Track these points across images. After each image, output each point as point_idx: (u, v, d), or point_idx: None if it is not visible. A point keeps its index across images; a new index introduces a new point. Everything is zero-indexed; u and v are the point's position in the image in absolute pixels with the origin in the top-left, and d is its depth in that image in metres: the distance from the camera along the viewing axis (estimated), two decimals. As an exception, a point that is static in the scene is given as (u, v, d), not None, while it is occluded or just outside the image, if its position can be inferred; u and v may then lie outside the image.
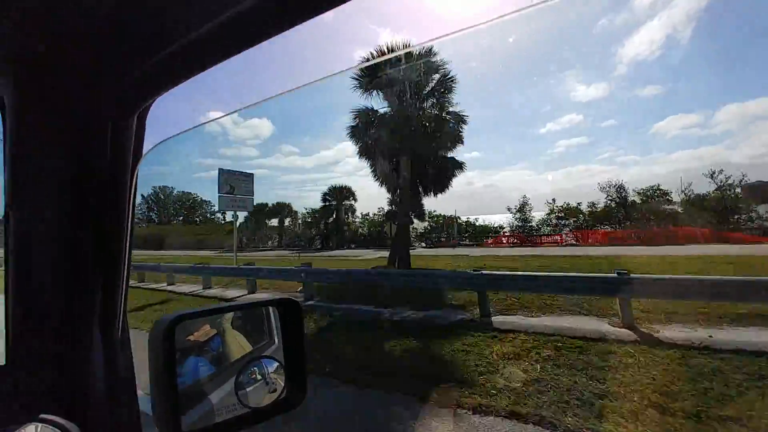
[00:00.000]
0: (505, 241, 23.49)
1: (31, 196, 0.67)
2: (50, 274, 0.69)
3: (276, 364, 0.77)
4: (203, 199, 49.90)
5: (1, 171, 0.68)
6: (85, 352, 0.73)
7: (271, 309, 0.81)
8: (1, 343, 0.72)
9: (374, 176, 13.41)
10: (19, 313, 0.69)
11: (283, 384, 0.77)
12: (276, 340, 0.80)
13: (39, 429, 0.58)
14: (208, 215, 48.57)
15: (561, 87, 42.51)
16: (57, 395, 0.68)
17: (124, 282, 0.79)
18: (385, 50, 10.70)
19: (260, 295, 9.35)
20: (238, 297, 9.24)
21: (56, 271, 0.69)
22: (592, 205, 23.76)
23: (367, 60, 11.37)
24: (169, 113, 0.76)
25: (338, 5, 0.48)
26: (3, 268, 0.71)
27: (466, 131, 12.48)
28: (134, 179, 0.75)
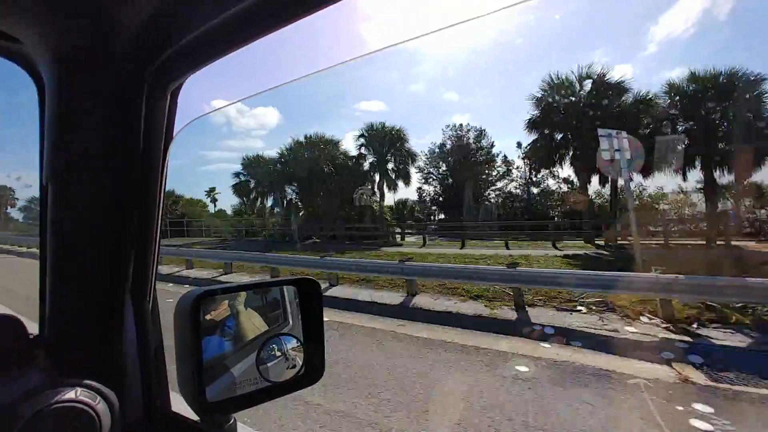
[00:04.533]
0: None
1: (69, 171, 0.70)
2: (86, 247, 0.73)
3: (295, 342, 0.79)
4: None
5: (35, 147, 0.72)
6: (118, 322, 0.77)
7: (287, 288, 0.82)
8: (37, 314, 0.78)
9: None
10: (56, 285, 0.73)
11: (301, 361, 0.79)
12: (290, 320, 0.81)
13: (78, 393, 0.62)
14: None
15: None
16: (92, 363, 0.72)
17: (155, 256, 0.83)
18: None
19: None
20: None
21: (91, 244, 0.73)
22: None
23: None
24: (191, 95, 0.76)
25: None
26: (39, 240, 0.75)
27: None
28: (167, 155, 0.77)
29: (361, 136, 25.30)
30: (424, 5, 0.56)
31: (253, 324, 0.78)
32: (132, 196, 0.72)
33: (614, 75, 19.11)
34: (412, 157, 25.17)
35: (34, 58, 0.68)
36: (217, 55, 0.63)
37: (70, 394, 0.61)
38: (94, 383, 0.64)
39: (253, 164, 28.67)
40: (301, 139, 26.41)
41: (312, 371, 0.80)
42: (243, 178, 29.06)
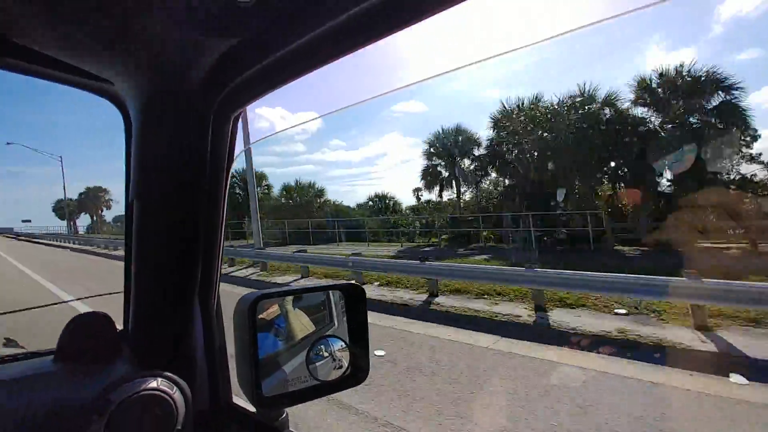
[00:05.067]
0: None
1: (150, 190, 0.80)
2: (163, 254, 0.83)
3: (341, 343, 0.84)
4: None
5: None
6: (188, 321, 0.86)
7: (334, 293, 0.88)
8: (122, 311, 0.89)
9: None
10: (137, 287, 0.84)
11: (347, 362, 0.84)
12: (335, 322, 0.86)
13: (159, 382, 0.71)
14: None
15: (639, 55, 36.78)
16: (168, 356, 0.82)
17: (219, 262, 0.92)
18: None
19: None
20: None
21: (167, 251, 0.83)
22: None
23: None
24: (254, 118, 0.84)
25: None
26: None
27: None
28: (228, 174, 0.86)
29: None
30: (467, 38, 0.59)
31: (302, 324, 0.84)
32: (200, 211, 0.81)
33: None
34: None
35: (123, 97, 0.79)
36: (273, 87, 0.70)
37: (152, 384, 0.70)
38: (170, 375, 0.73)
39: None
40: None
41: (358, 372, 0.84)
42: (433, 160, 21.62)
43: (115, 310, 0.96)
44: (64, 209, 49.00)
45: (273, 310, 0.81)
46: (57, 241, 36.02)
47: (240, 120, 0.82)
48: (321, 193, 29.68)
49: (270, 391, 0.76)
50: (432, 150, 22.07)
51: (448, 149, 21.50)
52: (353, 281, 0.90)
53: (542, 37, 0.52)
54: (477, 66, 0.58)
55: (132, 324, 0.86)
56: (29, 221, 56.41)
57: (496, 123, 18.39)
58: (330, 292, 0.89)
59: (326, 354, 0.83)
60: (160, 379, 0.71)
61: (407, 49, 0.57)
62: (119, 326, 0.86)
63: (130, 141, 0.80)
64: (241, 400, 0.85)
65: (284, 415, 0.85)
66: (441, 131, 21.74)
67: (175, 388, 0.72)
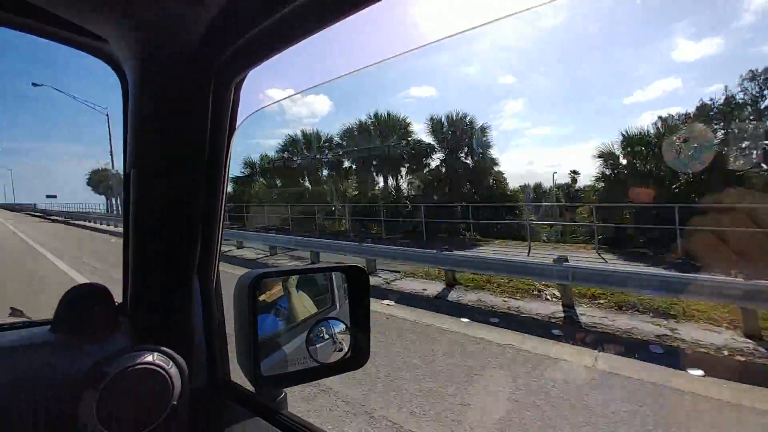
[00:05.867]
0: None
1: (148, 160, 0.77)
2: (161, 227, 0.81)
3: (342, 326, 0.83)
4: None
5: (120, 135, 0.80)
6: (187, 298, 0.85)
7: (336, 275, 0.85)
8: (120, 285, 0.87)
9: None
10: (136, 261, 0.82)
11: (347, 345, 0.82)
12: (337, 305, 0.84)
13: (155, 357, 0.70)
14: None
15: (662, 44, 35.33)
16: (165, 332, 0.81)
17: (219, 239, 0.89)
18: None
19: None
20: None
21: (166, 225, 0.80)
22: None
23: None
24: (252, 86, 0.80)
25: None
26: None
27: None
28: (230, 144, 0.82)
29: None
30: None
31: (303, 306, 0.82)
32: (199, 184, 0.78)
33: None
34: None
35: (118, 58, 0.75)
36: (278, 50, 0.66)
37: (149, 358, 0.68)
38: (167, 350, 0.72)
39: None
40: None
41: (358, 355, 0.82)
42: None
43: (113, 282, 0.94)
44: (106, 181, 37.70)
45: (275, 291, 0.79)
46: (105, 224, 25.02)
47: (241, 88, 0.78)
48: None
49: (269, 370, 0.75)
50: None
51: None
52: (357, 264, 0.87)
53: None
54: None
55: (130, 297, 0.85)
56: (54, 197, 49.08)
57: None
58: (333, 274, 0.87)
59: (327, 336, 0.82)
60: (156, 354, 0.70)
61: (424, 5, 0.53)
62: (118, 299, 0.85)
63: (126, 106, 0.77)
64: (239, 380, 0.84)
65: (282, 395, 0.84)
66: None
67: (171, 363, 0.71)
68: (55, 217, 35.56)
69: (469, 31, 0.57)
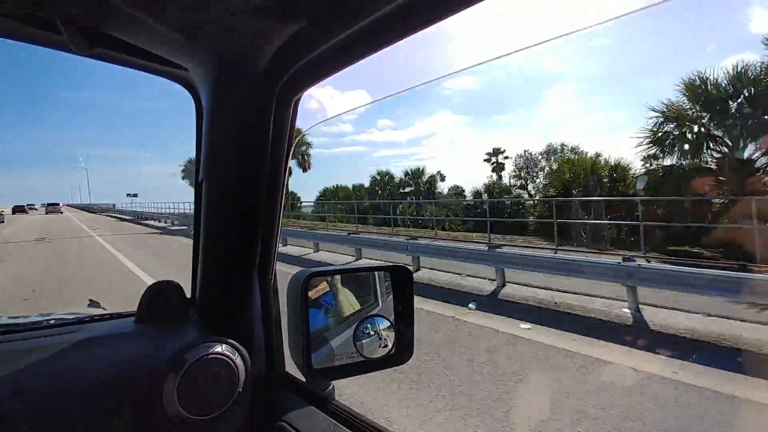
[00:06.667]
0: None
1: (217, 171, 0.86)
2: (227, 230, 0.89)
3: (387, 323, 0.87)
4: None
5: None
6: (248, 294, 0.93)
7: (381, 273, 0.90)
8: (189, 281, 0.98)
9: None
10: (204, 259, 0.92)
11: (392, 341, 0.87)
12: (380, 302, 0.88)
13: (224, 348, 0.78)
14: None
15: (740, 15, 30.92)
16: (230, 325, 0.89)
17: (276, 240, 0.97)
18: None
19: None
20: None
21: (230, 228, 0.89)
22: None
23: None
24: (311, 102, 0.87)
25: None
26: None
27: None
28: (289, 156, 0.90)
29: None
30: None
31: (349, 302, 0.87)
32: (261, 191, 0.86)
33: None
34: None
35: (195, 83, 0.85)
36: (336, 69, 0.71)
37: (218, 348, 0.77)
38: (233, 342, 0.80)
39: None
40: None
41: (403, 351, 0.86)
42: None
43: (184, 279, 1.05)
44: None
45: (321, 287, 0.85)
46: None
47: (300, 104, 0.85)
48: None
49: (319, 363, 0.80)
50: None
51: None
52: (402, 264, 0.91)
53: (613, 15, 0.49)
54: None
55: (198, 293, 0.94)
56: (135, 195, 45.33)
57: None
58: (375, 273, 0.91)
59: (372, 333, 0.86)
60: (224, 345, 0.78)
61: (468, 29, 0.56)
62: (188, 294, 0.95)
63: (200, 124, 0.87)
64: (293, 370, 0.91)
65: (330, 387, 0.89)
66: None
67: (236, 354, 0.79)
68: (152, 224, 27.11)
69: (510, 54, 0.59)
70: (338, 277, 0.88)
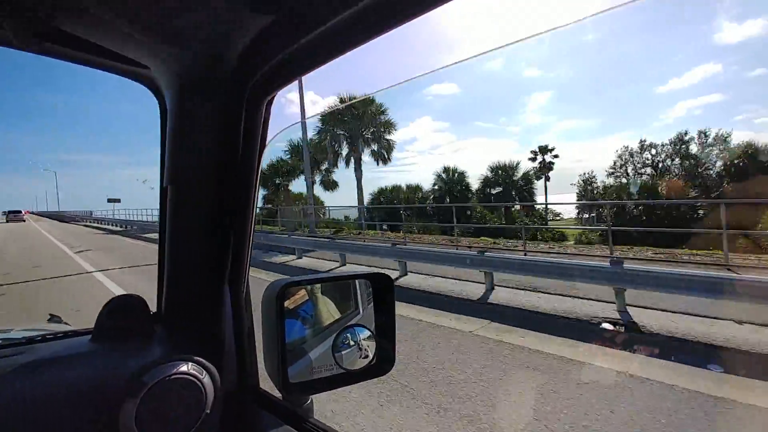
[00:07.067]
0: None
1: (183, 176, 0.81)
2: (194, 239, 0.84)
3: (367, 333, 0.83)
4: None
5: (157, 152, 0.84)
6: (218, 306, 0.87)
7: (360, 282, 0.87)
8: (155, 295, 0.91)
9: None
10: (170, 271, 0.86)
11: (373, 352, 0.83)
12: (361, 311, 0.85)
13: (189, 367, 0.73)
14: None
15: (704, 27, 32.70)
16: (198, 340, 0.84)
17: (249, 249, 0.93)
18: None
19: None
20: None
21: (198, 236, 0.84)
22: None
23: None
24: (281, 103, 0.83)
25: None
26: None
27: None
28: (260, 161, 0.85)
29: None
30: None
31: (329, 311, 0.83)
32: (231, 197, 0.82)
33: None
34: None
35: (158, 82, 0.80)
36: (307, 69, 0.68)
37: (184, 368, 0.72)
38: (200, 359, 0.75)
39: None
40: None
41: (383, 362, 0.83)
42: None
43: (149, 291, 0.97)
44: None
45: (300, 296, 0.81)
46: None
47: (273, 106, 0.81)
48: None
49: (295, 377, 0.76)
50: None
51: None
52: (382, 271, 0.88)
53: (584, 15, 0.48)
54: (513, 45, 0.55)
55: (165, 307, 0.88)
56: (118, 201, 38.33)
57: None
58: (356, 281, 0.88)
59: (352, 343, 0.82)
60: (190, 364, 0.73)
61: (448, 28, 0.54)
62: (152, 308, 0.89)
63: (165, 126, 0.81)
64: (267, 386, 0.86)
65: (309, 402, 0.85)
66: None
67: (204, 372, 0.74)
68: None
69: (491, 52, 0.58)
70: (318, 286, 0.84)
